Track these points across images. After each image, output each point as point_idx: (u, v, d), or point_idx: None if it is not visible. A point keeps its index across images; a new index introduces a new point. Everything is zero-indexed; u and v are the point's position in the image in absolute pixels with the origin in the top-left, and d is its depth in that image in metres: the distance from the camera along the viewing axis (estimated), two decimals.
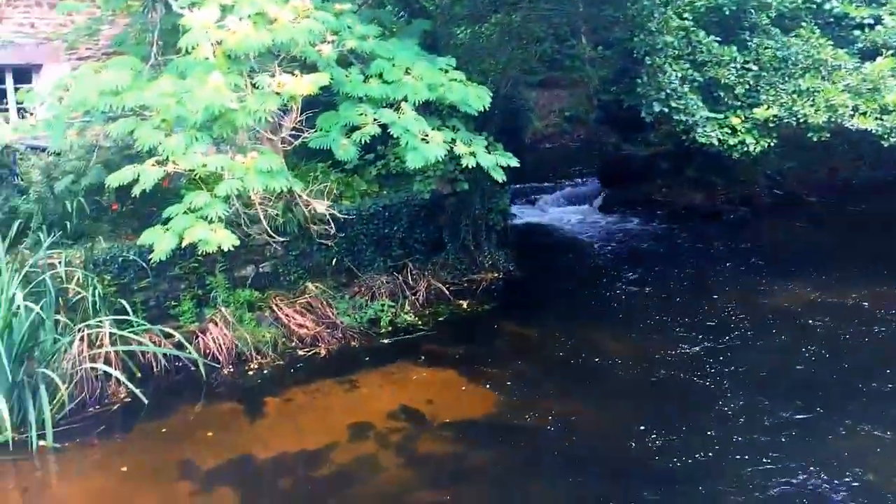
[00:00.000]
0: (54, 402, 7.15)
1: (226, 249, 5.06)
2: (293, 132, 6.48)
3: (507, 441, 7.24)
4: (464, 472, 6.79)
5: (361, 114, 6.60)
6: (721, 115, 10.39)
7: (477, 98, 7.02)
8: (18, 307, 7.14)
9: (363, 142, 6.50)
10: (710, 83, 10.75)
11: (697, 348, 9.06)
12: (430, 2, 10.63)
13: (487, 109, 7.12)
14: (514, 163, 7.13)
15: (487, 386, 8.31)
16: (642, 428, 7.22)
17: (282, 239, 7.01)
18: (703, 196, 15.54)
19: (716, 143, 10.21)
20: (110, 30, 9.01)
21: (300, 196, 6.63)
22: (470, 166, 6.92)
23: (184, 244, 5.12)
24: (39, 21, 11.03)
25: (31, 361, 7.26)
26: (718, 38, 10.99)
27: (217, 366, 8.54)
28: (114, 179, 5.36)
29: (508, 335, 9.90)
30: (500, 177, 7.10)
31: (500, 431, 7.42)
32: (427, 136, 6.70)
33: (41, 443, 6.87)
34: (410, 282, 10.62)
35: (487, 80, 9.70)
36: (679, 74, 10.29)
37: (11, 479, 6.55)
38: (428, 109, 7.18)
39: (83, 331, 7.63)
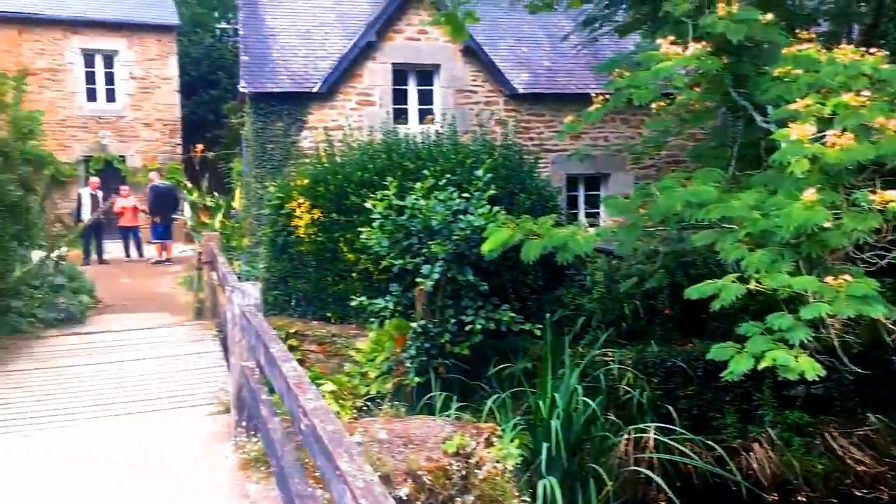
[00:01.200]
0: (599, 497, 7.35)
1: (810, 379, 4.61)
2: (880, 250, 5.75)
3: None
4: None
5: None
6: None
7: None
8: (578, 402, 7.60)
9: None
10: None
11: None
12: None
13: None
14: None
15: None
16: None
17: (853, 369, 6.20)
18: None
19: None
20: (674, 140, 9.37)
21: (883, 322, 5.78)
22: None
23: (759, 367, 4.81)
24: (611, 135, 12.16)
25: (581, 454, 7.62)
26: None
27: (759, 491, 7.93)
28: (693, 291, 5.33)
29: None
30: None
31: None
32: None
33: None
34: None
35: None
36: None
37: None
38: None
39: (630, 433, 7.78)
